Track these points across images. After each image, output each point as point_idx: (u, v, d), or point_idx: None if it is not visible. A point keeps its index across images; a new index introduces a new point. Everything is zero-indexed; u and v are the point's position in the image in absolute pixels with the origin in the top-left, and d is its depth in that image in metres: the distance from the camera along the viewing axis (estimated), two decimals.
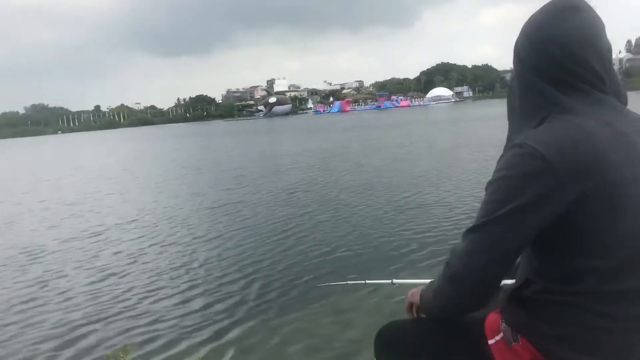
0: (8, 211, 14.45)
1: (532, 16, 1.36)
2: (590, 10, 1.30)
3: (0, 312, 6.50)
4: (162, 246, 9.00)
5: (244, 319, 5.69)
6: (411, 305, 1.71)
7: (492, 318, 1.51)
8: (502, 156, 1.30)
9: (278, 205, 11.68)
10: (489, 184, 1.29)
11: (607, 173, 1.18)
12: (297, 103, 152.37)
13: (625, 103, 1.38)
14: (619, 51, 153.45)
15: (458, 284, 1.33)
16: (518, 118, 1.39)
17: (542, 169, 1.18)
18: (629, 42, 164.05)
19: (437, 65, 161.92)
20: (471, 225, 1.31)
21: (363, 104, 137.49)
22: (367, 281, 2.71)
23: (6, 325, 6.04)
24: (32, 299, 6.88)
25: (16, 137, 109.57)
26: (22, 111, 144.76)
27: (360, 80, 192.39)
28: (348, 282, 3.28)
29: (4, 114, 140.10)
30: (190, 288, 6.81)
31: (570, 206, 1.18)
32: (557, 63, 1.27)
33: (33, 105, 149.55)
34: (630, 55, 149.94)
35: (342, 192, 12.86)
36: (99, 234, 10.45)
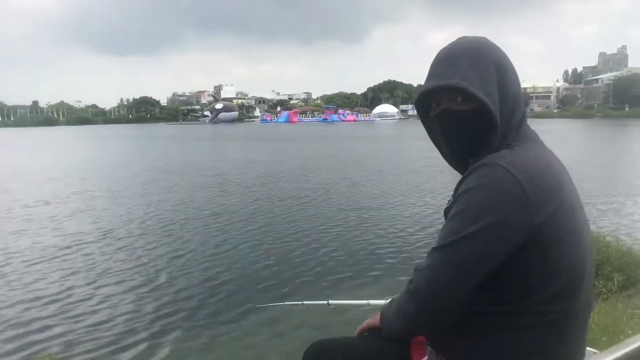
0: None
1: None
2: None
3: None
4: (84, 255, 8.80)
5: (179, 338, 5.66)
6: (368, 327, 1.66)
7: (418, 340, 1.55)
8: (468, 174, 1.29)
9: (221, 220, 11.56)
10: (455, 201, 1.29)
11: (564, 199, 1.25)
12: (244, 110, 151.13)
13: None
14: (557, 80, 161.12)
15: (422, 303, 1.30)
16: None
17: (515, 189, 1.20)
18: (565, 72, 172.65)
19: (384, 82, 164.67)
20: (438, 243, 1.29)
21: (310, 116, 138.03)
22: (304, 302, 2.71)
23: None
24: None
25: None
26: None
27: (309, 92, 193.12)
28: (285, 302, 3.34)
29: None
30: (119, 303, 6.68)
31: (536, 229, 1.21)
32: (516, 99, 1.40)
33: None
34: (566, 85, 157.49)
35: (286, 207, 12.92)
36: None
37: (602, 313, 4.22)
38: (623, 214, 11.75)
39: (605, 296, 5.07)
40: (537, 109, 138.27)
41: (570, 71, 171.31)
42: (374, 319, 1.62)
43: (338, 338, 1.71)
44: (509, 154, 1.28)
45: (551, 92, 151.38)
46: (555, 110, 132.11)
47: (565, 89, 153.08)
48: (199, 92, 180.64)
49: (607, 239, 6.61)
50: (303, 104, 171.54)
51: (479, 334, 1.31)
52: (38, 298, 6.92)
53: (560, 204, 1.24)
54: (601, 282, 5.48)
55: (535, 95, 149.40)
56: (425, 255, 1.33)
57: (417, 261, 1.35)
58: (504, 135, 1.34)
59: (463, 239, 1.22)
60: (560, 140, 40.35)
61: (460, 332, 1.34)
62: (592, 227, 8.26)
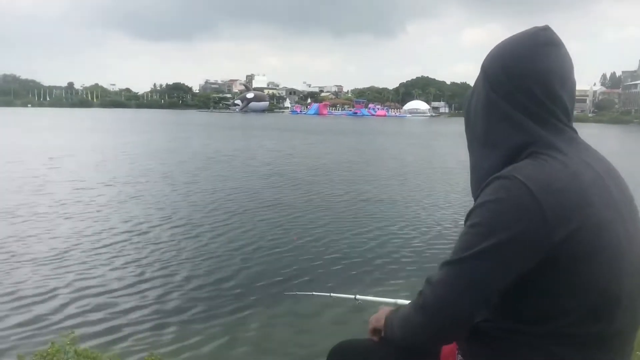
0: None
1: (509, 46, 1.31)
2: (565, 48, 1.28)
3: None
4: (130, 244, 8.85)
5: (210, 321, 5.72)
6: (374, 329, 1.60)
7: (448, 349, 1.47)
8: (485, 186, 1.22)
9: (256, 207, 11.64)
10: (470, 213, 1.22)
11: (591, 215, 1.14)
12: (274, 101, 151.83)
13: None
14: (594, 84, 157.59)
15: (428, 316, 1.25)
16: (486, 146, 1.34)
17: (531, 205, 1.12)
18: (603, 75, 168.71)
19: (417, 78, 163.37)
20: (450, 257, 1.23)
21: (340, 109, 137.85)
22: (332, 294, 2.67)
23: None
24: None
25: None
26: None
27: (340, 85, 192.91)
28: (314, 293, 3.28)
29: None
30: (157, 287, 6.77)
31: (555, 247, 1.12)
32: (536, 99, 1.24)
33: (4, 75, 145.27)
34: (603, 89, 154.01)
35: (320, 201, 12.89)
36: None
37: None
38: None
39: None
40: None
41: (608, 75, 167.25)
42: (379, 322, 1.56)
43: (364, 340, 1.64)
44: (530, 164, 1.20)
45: (587, 95, 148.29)
46: (590, 115, 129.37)
47: (602, 93, 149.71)
48: (231, 80, 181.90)
49: None
50: (334, 96, 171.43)
51: (508, 352, 1.25)
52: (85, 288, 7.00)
53: (586, 220, 1.13)
54: None
55: None
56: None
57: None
58: (531, 142, 1.23)
59: (474, 255, 1.16)
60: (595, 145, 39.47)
61: (492, 345, 1.28)
62: None
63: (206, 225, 9.90)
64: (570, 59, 1.29)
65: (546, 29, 1.28)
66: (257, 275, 7.08)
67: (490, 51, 1.34)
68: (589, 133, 58.74)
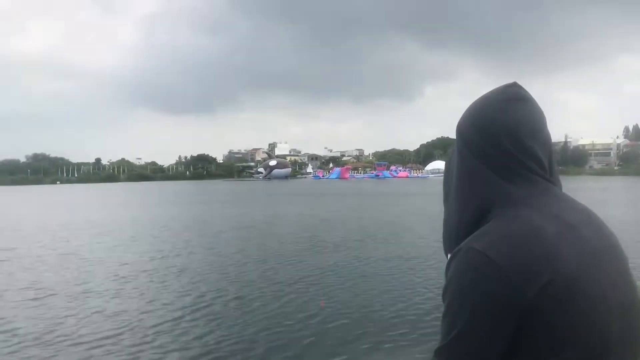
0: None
1: (478, 103, 1.34)
2: (534, 102, 1.31)
3: None
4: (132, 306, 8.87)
5: None
6: None
7: None
8: (450, 261, 1.24)
9: (267, 276, 11.66)
10: (443, 293, 1.23)
11: (559, 269, 1.13)
12: (297, 167, 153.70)
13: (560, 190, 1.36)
14: (616, 137, 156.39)
15: None
16: (456, 202, 1.35)
17: (494, 275, 1.12)
18: (626, 128, 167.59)
19: (437, 139, 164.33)
20: (438, 344, 1.23)
21: (362, 172, 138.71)
22: None
23: None
24: None
25: (15, 185, 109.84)
26: (23, 159, 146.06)
27: (361, 149, 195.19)
28: None
29: (5, 161, 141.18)
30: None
31: (529, 306, 1.11)
32: (506, 152, 1.25)
33: (34, 154, 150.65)
34: (627, 141, 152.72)
35: (337, 264, 12.78)
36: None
37: None
38: None
39: None
40: (596, 166, 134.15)
41: (631, 127, 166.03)
42: None
43: None
44: (487, 230, 1.20)
45: (611, 148, 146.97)
46: (616, 168, 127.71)
47: (626, 145, 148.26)
48: (254, 149, 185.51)
49: None
50: (355, 160, 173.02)
51: None
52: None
53: (556, 274, 1.12)
54: None
55: (595, 152, 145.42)
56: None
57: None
58: (498, 199, 1.25)
59: (456, 339, 1.16)
60: (622, 197, 38.83)
61: None
62: None
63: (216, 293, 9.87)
64: (540, 113, 1.31)
65: (513, 85, 1.33)
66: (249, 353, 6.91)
67: (465, 110, 1.39)
68: (616, 186, 57.94)
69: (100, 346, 7.05)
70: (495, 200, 1.24)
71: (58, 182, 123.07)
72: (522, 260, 1.12)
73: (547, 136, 1.31)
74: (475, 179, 1.29)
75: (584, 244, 1.19)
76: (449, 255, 1.29)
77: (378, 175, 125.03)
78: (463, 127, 1.36)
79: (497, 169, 1.26)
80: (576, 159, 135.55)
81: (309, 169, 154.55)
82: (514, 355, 1.16)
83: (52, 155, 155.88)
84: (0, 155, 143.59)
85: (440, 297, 1.24)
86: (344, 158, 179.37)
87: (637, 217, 23.24)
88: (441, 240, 1.44)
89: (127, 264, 13.28)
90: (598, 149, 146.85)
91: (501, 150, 1.25)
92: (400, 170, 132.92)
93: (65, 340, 7.29)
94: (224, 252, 14.97)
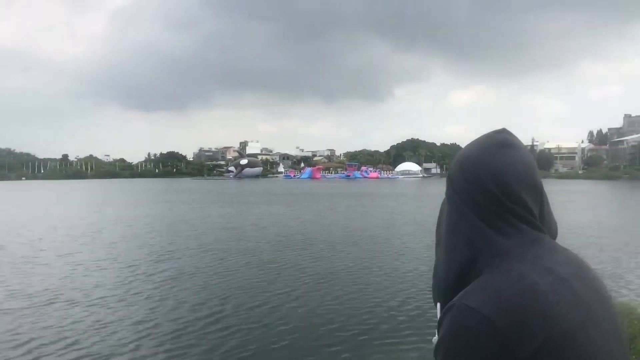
0: None
1: (467, 150, 1.33)
2: (522, 148, 1.30)
3: None
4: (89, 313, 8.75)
5: None
6: None
7: None
8: (442, 317, 1.21)
9: (227, 282, 11.59)
10: (436, 350, 1.20)
11: (554, 328, 1.10)
12: (268, 166, 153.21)
13: (555, 236, 1.33)
14: (581, 141, 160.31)
15: None
16: (445, 250, 1.33)
17: (489, 334, 1.09)
18: (590, 133, 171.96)
19: (407, 140, 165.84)
20: None
21: (333, 172, 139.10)
22: None
23: None
24: None
25: None
26: None
27: (332, 149, 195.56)
28: None
29: None
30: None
31: None
32: (494, 199, 1.23)
33: None
34: (591, 146, 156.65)
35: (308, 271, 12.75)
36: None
37: None
38: None
39: None
40: (561, 169, 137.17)
41: (595, 132, 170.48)
42: None
43: None
44: (480, 285, 1.17)
45: (576, 152, 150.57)
46: (580, 172, 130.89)
47: (590, 150, 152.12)
48: (225, 147, 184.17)
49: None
50: (326, 160, 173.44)
51: None
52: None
53: (550, 333, 1.09)
54: (633, 357, 5.27)
55: (560, 156, 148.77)
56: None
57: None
58: (486, 251, 1.22)
59: None
60: (584, 201, 39.85)
61: None
62: (623, 299, 8.04)
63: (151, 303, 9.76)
64: (529, 159, 1.30)
65: (502, 132, 1.33)
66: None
67: (456, 155, 1.37)
68: (579, 189, 59.40)
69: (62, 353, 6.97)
70: (484, 250, 1.22)
71: (23, 178, 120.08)
72: (518, 320, 1.09)
73: (536, 182, 1.29)
74: (464, 227, 1.27)
75: (576, 298, 1.17)
76: (438, 305, 1.30)
77: (349, 176, 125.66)
78: (452, 173, 1.35)
79: (486, 216, 1.24)
80: (542, 162, 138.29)
81: (281, 169, 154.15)
82: None
83: (18, 150, 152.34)
84: None
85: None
86: (316, 158, 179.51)
87: (597, 219, 23.96)
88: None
89: (81, 264, 13.15)
90: (563, 153, 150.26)
91: (489, 197, 1.23)
92: (370, 171, 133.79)
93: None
94: (193, 254, 14.92)
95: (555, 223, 1.35)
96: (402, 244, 16.35)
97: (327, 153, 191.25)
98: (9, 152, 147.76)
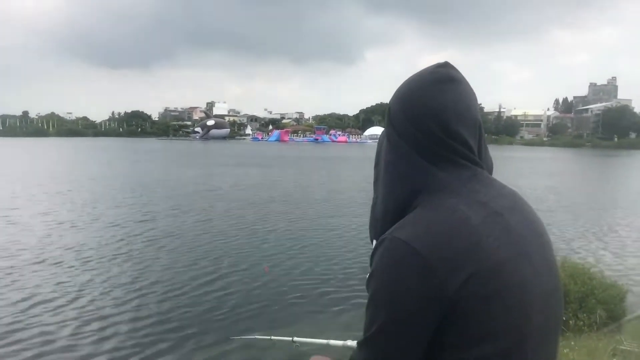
0: None
1: (407, 84, 1.29)
2: (464, 83, 1.27)
3: None
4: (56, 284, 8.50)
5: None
6: None
7: None
8: (374, 250, 1.19)
9: (189, 242, 11.39)
10: (367, 284, 1.19)
11: (484, 260, 1.10)
12: (235, 128, 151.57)
13: (491, 172, 1.33)
14: (547, 109, 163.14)
15: None
16: (383, 186, 1.31)
17: (418, 266, 1.09)
18: (556, 100, 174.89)
19: (376, 105, 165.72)
20: (362, 336, 1.20)
21: (302, 136, 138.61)
22: (272, 337, 2.69)
23: None
24: None
25: None
26: None
27: (301, 112, 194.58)
28: (256, 336, 3.33)
29: None
30: (93, 329, 6.53)
31: (452, 298, 1.08)
32: (433, 136, 1.21)
33: None
34: (557, 114, 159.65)
35: (261, 231, 12.78)
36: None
37: (583, 351, 4.10)
38: (605, 244, 11.77)
39: (587, 332, 4.97)
40: (527, 136, 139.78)
41: (560, 100, 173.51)
42: None
43: None
44: (412, 219, 1.17)
45: (542, 120, 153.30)
46: (545, 139, 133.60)
47: (556, 117, 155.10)
48: (191, 108, 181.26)
49: (592, 270, 6.57)
50: (295, 123, 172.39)
51: None
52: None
53: (479, 265, 1.10)
54: (584, 315, 5.40)
55: (526, 123, 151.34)
56: None
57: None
58: (423, 186, 1.21)
59: (379, 331, 1.14)
60: (547, 168, 40.77)
61: None
62: (577, 258, 8.36)
63: (134, 261, 9.70)
64: (471, 94, 1.27)
65: (445, 66, 1.27)
66: (201, 318, 6.92)
67: (396, 89, 1.32)
68: (544, 157, 60.76)
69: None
70: (421, 186, 1.21)
71: None
72: (446, 253, 1.09)
73: (476, 118, 1.27)
74: (402, 163, 1.25)
75: (509, 232, 1.17)
76: (374, 242, 1.25)
77: (317, 140, 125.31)
78: (392, 109, 1.30)
79: (425, 153, 1.22)
80: (508, 128, 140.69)
81: (248, 131, 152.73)
82: (435, 348, 1.14)
83: None
84: None
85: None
86: (284, 120, 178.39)
87: (558, 186, 24.57)
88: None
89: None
90: (529, 120, 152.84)
91: (429, 134, 1.21)
92: (339, 135, 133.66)
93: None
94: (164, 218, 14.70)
95: (491, 159, 1.34)
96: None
97: (295, 116, 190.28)
98: None
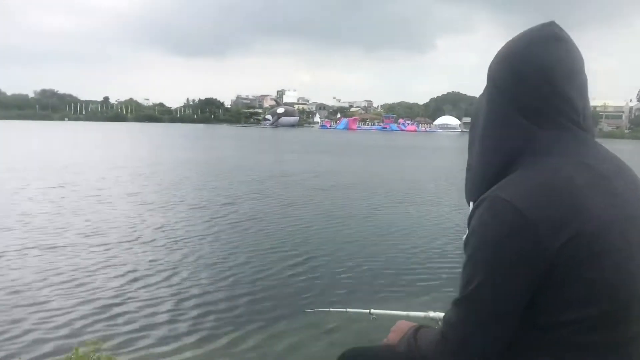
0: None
1: (513, 43, 1.27)
2: (571, 43, 1.24)
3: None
4: (139, 254, 9.01)
5: (225, 339, 5.74)
6: (391, 341, 1.55)
7: None
8: (474, 209, 1.19)
9: (269, 223, 11.70)
10: (465, 242, 1.19)
11: (587, 221, 1.08)
12: (304, 116, 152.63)
13: (594, 136, 1.29)
14: (629, 100, 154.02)
15: (454, 356, 1.22)
16: (482, 148, 1.31)
17: (520, 225, 1.08)
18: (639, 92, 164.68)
19: (447, 93, 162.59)
20: (458, 294, 1.20)
21: (369, 124, 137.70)
22: (348, 309, 2.69)
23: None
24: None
25: (22, 120, 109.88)
26: (31, 95, 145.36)
27: (370, 100, 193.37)
28: (331, 309, 3.37)
29: (14, 95, 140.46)
30: (171, 300, 6.83)
31: (554, 258, 1.07)
32: (540, 95, 1.19)
33: (43, 90, 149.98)
34: (639, 105, 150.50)
35: (337, 214, 12.94)
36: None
37: None
38: None
39: None
40: (606, 128, 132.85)
41: None
42: (396, 335, 1.53)
43: (373, 347, 1.65)
44: (514, 179, 1.17)
45: (623, 111, 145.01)
46: (626, 131, 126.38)
47: (638, 109, 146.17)
48: (262, 95, 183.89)
49: None
50: (363, 111, 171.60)
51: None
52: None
53: (582, 226, 1.07)
54: None
55: (606, 115, 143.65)
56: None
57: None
58: (527, 146, 1.21)
59: (477, 290, 1.14)
60: (629, 160, 38.59)
61: (503, 357, 1.22)
62: None
63: (220, 241, 10.07)
64: (578, 54, 1.24)
65: (551, 25, 1.26)
66: (275, 293, 7.13)
67: (498, 51, 1.32)
68: (623, 149, 57.42)
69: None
70: (524, 147, 1.21)
71: (66, 119, 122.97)
72: (550, 212, 1.07)
73: (584, 80, 1.24)
74: (504, 124, 1.25)
75: (615, 195, 1.15)
76: (471, 204, 1.27)
77: (385, 128, 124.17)
78: (494, 69, 1.30)
79: (528, 113, 1.21)
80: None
81: (317, 119, 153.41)
82: (534, 309, 1.14)
83: (61, 92, 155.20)
84: (8, 89, 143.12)
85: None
86: (352, 109, 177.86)
87: None
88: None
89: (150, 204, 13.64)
90: (609, 111, 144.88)
91: (534, 94, 1.20)
92: (408, 124, 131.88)
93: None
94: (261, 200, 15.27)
95: (596, 124, 1.32)
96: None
97: (364, 104, 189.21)
98: (52, 93, 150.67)
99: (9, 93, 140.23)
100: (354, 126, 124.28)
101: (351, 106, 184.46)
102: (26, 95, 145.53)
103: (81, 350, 3.44)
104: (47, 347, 5.31)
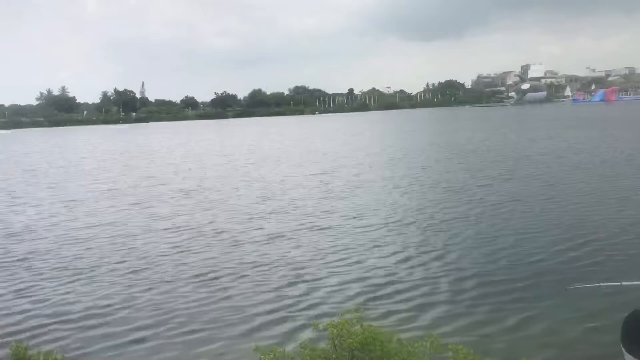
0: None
1: None
2: None
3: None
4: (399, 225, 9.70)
5: (488, 316, 5.95)
6: None
7: None
8: None
9: (532, 205, 11.44)
10: None
11: None
12: (552, 90, 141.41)
13: None
14: None
15: None
16: None
17: None
18: None
19: None
20: None
21: (632, 94, 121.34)
22: (624, 283, 2.52)
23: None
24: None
25: (279, 116, 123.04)
26: (286, 92, 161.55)
27: (631, 67, 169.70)
28: (601, 284, 3.12)
29: (273, 94, 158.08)
30: (435, 275, 7.32)
31: None
32: None
33: (296, 87, 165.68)
34: None
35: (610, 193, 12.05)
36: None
37: None
38: None
39: None
40: None
41: None
42: None
43: None
44: None
45: None
46: None
47: None
48: (504, 73, 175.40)
49: None
50: (624, 80, 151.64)
51: None
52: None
53: None
54: None
55: None
56: None
57: None
58: None
59: None
60: None
61: None
62: None
63: (484, 219, 10.21)
64: None
65: None
66: (535, 270, 7.06)
67: None
68: None
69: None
70: None
71: (317, 112, 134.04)
72: None
73: None
74: None
75: None
76: None
77: None
78: None
79: None
80: None
81: (567, 92, 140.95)
82: None
83: (311, 87, 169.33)
84: (268, 89, 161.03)
85: None
86: (610, 78, 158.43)
87: None
88: None
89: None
90: None
91: None
92: None
93: None
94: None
95: None
96: None
97: (624, 72, 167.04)
98: (303, 90, 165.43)
99: (267, 92, 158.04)
100: (613, 97, 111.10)
101: (608, 75, 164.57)
102: (282, 93, 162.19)
103: (345, 317, 3.88)
104: (315, 311, 6.24)
